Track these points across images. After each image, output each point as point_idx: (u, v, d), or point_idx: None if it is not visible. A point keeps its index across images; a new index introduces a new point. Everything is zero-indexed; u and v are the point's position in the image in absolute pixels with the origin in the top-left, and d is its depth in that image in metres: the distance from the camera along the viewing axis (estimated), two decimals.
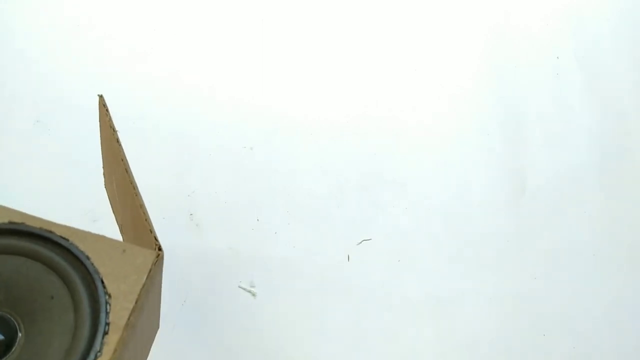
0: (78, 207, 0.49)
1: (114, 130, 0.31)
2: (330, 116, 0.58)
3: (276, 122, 0.58)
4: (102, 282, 0.29)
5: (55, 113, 0.54)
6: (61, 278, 0.29)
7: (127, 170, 0.32)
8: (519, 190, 0.56)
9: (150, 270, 0.29)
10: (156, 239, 0.31)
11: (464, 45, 0.61)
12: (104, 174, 0.44)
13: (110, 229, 0.48)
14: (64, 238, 0.29)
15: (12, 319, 0.29)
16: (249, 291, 0.51)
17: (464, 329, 0.52)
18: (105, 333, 0.28)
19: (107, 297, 0.28)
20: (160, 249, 0.30)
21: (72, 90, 0.58)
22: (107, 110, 0.32)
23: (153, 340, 0.39)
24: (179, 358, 0.46)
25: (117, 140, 0.32)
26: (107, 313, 0.28)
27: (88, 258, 0.29)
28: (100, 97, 0.32)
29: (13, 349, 0.29)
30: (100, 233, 0.32)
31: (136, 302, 0.29)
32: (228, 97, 0.59)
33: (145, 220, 0.32)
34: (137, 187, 0.32)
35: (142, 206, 0.32)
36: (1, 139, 0.50)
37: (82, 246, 0.29)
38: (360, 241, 0.54)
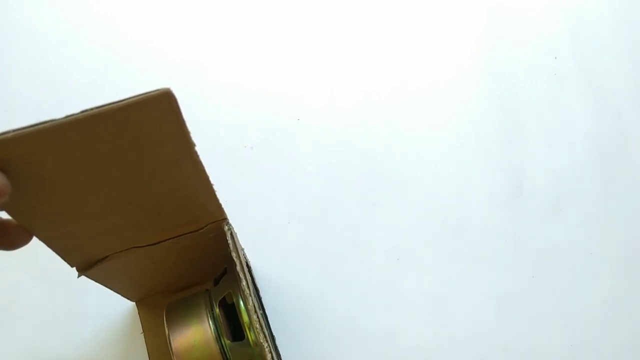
0: None
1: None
2: (330, 116, 0.59)
3: (277, 121, 0.58)
4: None
5: (58, 113, 0.54)
6: None
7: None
8: (517, 189, 0.56)
9: None
10: None
11: (461, 46, 0.62)
12: None
13: None
14: None
15: None
16: None
17: (463, 327, 0.52)
18: None
19: None
20: None
21: (75, 89, 0.59)
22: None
23: None
24: None
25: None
26: None
27: None
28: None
29: None
30: None
31: None
32: (228, 95, 0.59)
33: None
34: None
35: None
36: None
37: None
38: (359, 240, 0.55)
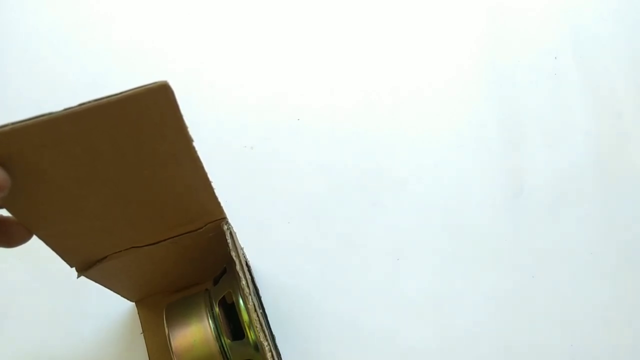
0: None
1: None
2: (330, 116, 0.59)
3: (277, 121, 0.58)
4: None
5: None
6: None
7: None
8: (517, 189, 0.56)
9: None
10: None
11: (461, 46, 0.62)
12: None
13: None
14: None
15: None
16: None
17: (463, 327, 0.52)
18: None
19: None
20: None
21: (75, 89, 0.59)
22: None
23: None
24: None
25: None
26: None
27: None
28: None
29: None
30: None
31: None
32: (228, 95, 0.59)
33: None
34: None
35: None
36: None
37: None
38: (359, 240, 0.55)
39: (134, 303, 0.51)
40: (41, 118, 0.24)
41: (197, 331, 0.40)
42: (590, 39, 0.62)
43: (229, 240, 0.37)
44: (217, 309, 0.40)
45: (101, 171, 0.28)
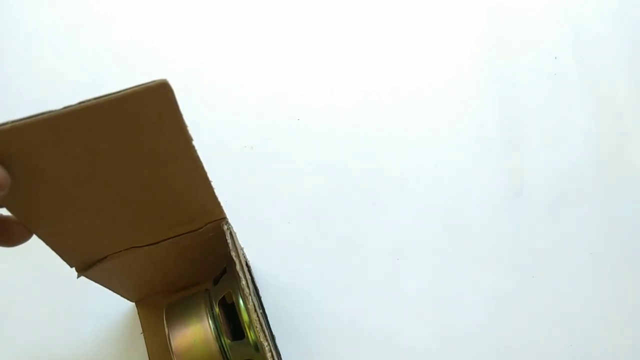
0: None
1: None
2: (330, 116, 0.59)
3: (277, 121, 0.58)
4: None
5: None
6: None
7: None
8: (517, 189, 0.56)
9: None
10: None
11: (461, 46, 0.62)
12: None
13: None
14: None
15: None
16: None
17: (463, 327, 0.52)
18: None
19: None
20: None
21: (75, 89, 0.59)
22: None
23: None
24: None
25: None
26: None
27: None
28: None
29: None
30: None
31: None
32: (228, 95, 0.59)
33: None
34: None
35: None
36: None
37: None
38: (359, 240, 0.55)
39: (134, 303, 0.51)
40: (41, 116, 0.24)
41: (197, 331, 0.40)
42: (590, 39, 0.62)
43: (229, 240, 0.37)
44: (217, 309, 0.40)
45: (101, 170, 0.28)
